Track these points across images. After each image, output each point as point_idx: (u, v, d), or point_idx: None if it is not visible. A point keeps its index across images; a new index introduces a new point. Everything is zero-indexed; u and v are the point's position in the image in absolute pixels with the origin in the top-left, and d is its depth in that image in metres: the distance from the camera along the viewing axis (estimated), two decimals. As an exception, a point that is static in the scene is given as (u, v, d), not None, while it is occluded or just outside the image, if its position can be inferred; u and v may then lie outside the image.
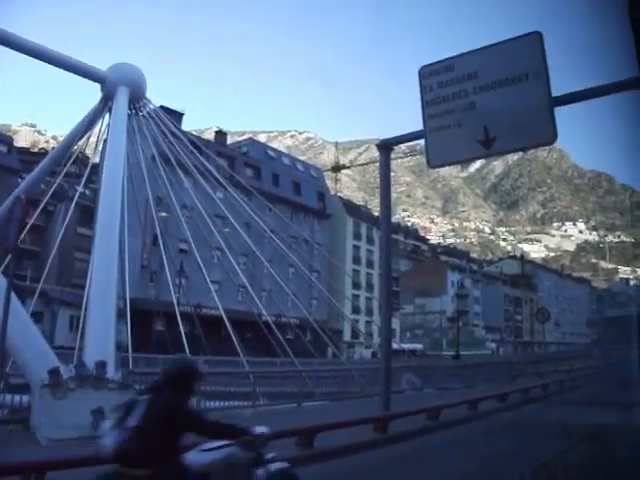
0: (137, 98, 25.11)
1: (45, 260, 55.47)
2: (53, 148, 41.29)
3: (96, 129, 26.31)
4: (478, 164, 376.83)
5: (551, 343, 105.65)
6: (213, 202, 44.35)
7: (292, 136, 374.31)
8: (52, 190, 25.89)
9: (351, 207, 79.60)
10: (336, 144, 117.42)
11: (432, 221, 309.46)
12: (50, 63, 22.77)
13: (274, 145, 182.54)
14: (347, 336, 62.83)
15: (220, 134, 59.48)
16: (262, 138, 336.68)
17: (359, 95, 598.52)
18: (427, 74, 12.98)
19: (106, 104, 23.94)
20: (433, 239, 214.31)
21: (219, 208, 44.91)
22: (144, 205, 34.64)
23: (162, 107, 54.95)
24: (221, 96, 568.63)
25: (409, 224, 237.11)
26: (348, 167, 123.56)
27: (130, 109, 25.27)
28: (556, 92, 11.63)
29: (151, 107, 27.04)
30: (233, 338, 28.43)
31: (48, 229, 56.55)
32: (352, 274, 67.54)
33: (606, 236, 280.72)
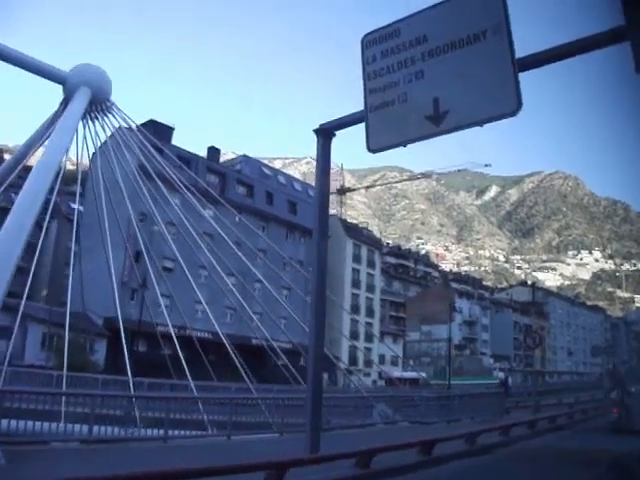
0: (100, 100, 23.96)
1: (37, 277, 54.71)
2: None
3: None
4: (493, 192, 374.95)
5: (563, 372, 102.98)
6: (201, 219, 43.03)
7: (307, 162, 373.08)
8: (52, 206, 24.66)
9: (351, 229, 77.41)
10: (341, 167, 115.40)
11: (447, 249, 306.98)
12: (6, 62, 21.58)
13: (289, 171, 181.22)
14: (345, 362, 60.62)
15: (213, 150, 58.21)
16: (278, 164, 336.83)
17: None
18: (370, 43, 10.83)
19: (66, 107, 22.85)
20: (447, 267, 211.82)
21: (208, 226, 43.54)
22: (126, 221, 33.59)
23: (152, 121, 54.57)
24: (241, 122, 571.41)
25: (423, 251, 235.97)
26: (354, 190, 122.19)
27: (93, 111, 24.21)
28: (525, 52, 9.55)
29: (119, 113, 25.76)
30: (206, 362, 27.09)
31: (40, 245, 55.76)
32: (351, 298, 65.83)
33: (622, 264, 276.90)
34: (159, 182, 30.60)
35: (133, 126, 27.43)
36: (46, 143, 20.73)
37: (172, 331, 27.03)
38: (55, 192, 28.09)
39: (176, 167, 34.53)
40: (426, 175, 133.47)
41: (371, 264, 73.59)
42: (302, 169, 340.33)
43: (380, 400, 25.28)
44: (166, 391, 25.77)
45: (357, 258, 70.86)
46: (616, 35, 8.23)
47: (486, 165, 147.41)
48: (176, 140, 56.99)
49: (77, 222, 29.03)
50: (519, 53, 9.39)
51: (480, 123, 9.45)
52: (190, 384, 21.82)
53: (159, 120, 55.50)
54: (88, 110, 24.16)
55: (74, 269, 50.23)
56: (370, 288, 71.85)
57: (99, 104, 24.38)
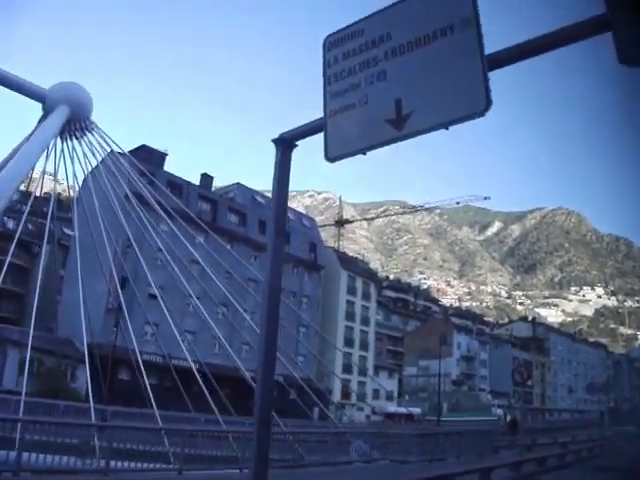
0: (79, 118, 23.48)
1: (29, 302, 53.99)
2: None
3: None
4: (495, 228, 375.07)
5: (563, 410, 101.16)
6: (192, 247, 42.35)
7: (310, 196, 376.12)
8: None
9: (346, 260, 76.23)
10: (340, 198, 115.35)
11: (449, 284, 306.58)
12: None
13: (292, 204, 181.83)
14: (337, 396, 59.22)
15: (206, 177, 57.60)
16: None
17: (379, 157, 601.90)
18: (332, 44, 10.01)
19: (44, 124, 22.44)
20: (449, 302, 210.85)
21: (198, 254, 42.86)
22: (113, 246, 33.15)
23: (144, 146, 54.32)
24: (242, 155, 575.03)
25: (425, 286, 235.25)
26: (352, 222, 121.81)
27: (74, 130, 23.77)
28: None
29: (99, 132, 25.25)
30: (183, 392, 26.31)
31: (32, 271, 55.05)
32: (345, 331, 64.63)
33: (625, 301, 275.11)
34: (139, 208, 29.95)
35: (114, 146, 26.92)
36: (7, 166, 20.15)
37: (137, 358, 25.92)
38: (49, 217, 27.90)
39: (165, 193, 34.26)
40: (426, 208, 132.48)
41: (366, 296, 72.24)
42: (305, 202, 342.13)
43: (358, 436, 23.97)
44: (136, 421, 24.70)
45: (352, 290, 69.53)
46: (600, 23, 7.58)
47: (485, 198, 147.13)
48: (178, 169, 57.07)
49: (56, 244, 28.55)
50: (492, 49, 8.58)
51: (446, 125, 8.53)
52: (155, 413, 20.77)
53: (155, 146, 55.35)
54: (68, 129, 23.74)
55: (64, 294, 49.75)
56: (365, 321, 70.38)
57: (78, 122, 23.92)
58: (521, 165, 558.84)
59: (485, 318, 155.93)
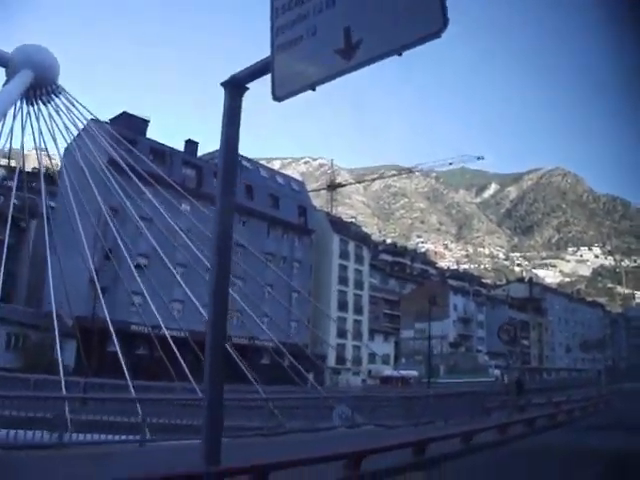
0: (45, 83, 22.35)
1: (17, 280, 53.13)
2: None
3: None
4: (492, 190, 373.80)
5: (561, 369, 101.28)
6: (178, 215, 41.45)
7: (306, 162, 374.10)
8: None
9: (338, 224, 75.15)
10: (331, 162, 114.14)
11: (446, 247, 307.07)
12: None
13: (287, 172, 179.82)
14: (332, 361, 58.82)
15: (190, 143, 56.27)
16: (276, 165, 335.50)
17: (374, 122, 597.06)
18: None
19: (4, 89, 21.30)
20: (447, 265, 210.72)
21: (184, 221, 41.99)
22: (97, 216, 32.38)
23: (125, 113, 53.06)
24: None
25: (423, 249, 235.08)
26: (344, 185, 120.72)
27: (39, 95, 22.67)
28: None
29: (67, 96, 24.07)
30: (166, 360, 25.62)
31: (21, 247, 54.13)
32: (338, 295, 63.90)
33: (622, 261, 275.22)
34: (120, 177, 29.14)
35: (84, 112, 25.70)
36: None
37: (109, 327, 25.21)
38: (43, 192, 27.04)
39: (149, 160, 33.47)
40: (419, 170, 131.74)
41: (359, 260, 71.64)
42: (301, 169, 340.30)
43: (341, 401, 22.88)
44: (119, 393, 23.98)
45: (344, 254, 68.86)
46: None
47: (479, 158, 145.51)
48: (168, 139, 55.74)
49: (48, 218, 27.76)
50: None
51: (399, 50, 7.38)
52: (128, 383, 20.07)
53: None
54: (34, 94, 22.65)
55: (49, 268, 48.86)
56: (358, 285, 70.02)
57: (44, 87, 22.78)
58: (517, 126, 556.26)
59: (483, 280, 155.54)
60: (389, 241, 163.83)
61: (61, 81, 23.37)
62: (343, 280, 67.06)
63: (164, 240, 34.99)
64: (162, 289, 37.52)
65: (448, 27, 6.76)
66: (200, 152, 60.60)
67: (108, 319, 27.64)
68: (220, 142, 10.05)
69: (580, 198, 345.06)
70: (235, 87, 10.04)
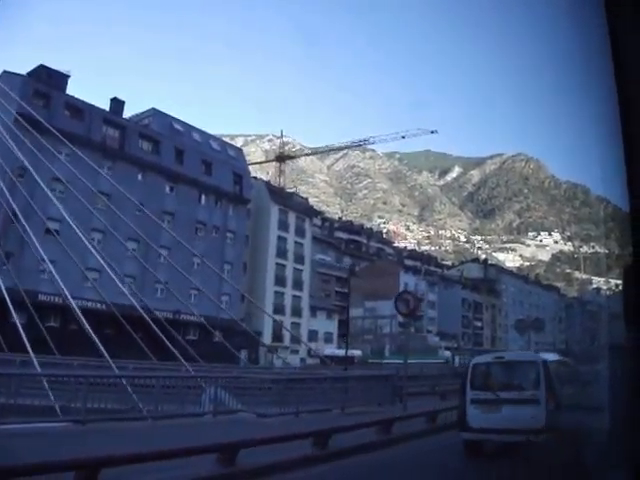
0: None
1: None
2: None
3: None
4: (455, 173, 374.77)
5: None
6: (97, 178, 38.15)
7: (270, 140, 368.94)
8: None
9: (277, 193, 71.01)
10: (281, 133, 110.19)
11: (408, 228, 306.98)
12: None
13: (251, 149, 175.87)
14: (268, 339, 55.19)
15: (116, 102, 51.31)
16: (239, 142, 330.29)
17: (338, 99, 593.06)
18: None
19: None
20: (408, 246, 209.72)
21: (104, 184, 38.87)
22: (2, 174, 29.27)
23: (42, 67, 48.62)
24: (202, 98, 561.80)
25: (384, 231, 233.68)
26: (294, 157, 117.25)
27: None
28: None
29: None
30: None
31: None
32: (276, 269, 60.06)
33: (581, 247, 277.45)
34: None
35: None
36: None
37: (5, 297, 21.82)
38: None
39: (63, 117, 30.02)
40: (371, 143, 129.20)
41: (300, 232, 67.74)
42: (265, 146, 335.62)
43: (214, 381, 18.56)
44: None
45: (284, 225, 64.80)
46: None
47: (432, 132, 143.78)
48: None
49: None
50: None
51: None
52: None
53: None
54: None
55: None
56: (299, 259, 66.19)
57: None
58: (481, 110, 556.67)
59: (444, 262, 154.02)
60: (352, 220, 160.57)
61: None
62: (282, 253, 63.29)
63: (81, 204, 32.18)
64: (75, 256, 34.14)
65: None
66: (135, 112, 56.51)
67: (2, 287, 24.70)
68: None
69: (542, 184, 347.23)
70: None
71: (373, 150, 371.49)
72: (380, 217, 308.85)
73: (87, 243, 35.17)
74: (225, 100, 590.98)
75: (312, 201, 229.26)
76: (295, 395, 19.00)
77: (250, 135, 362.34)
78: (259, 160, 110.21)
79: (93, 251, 34.83)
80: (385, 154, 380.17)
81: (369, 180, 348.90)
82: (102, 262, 33.59)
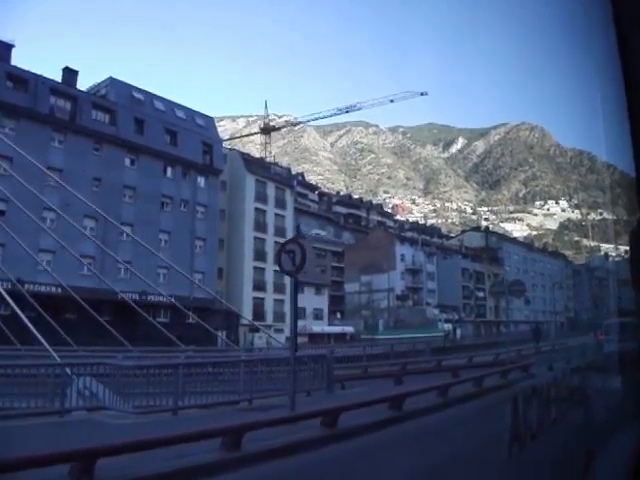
0: None
1: None
2: None
3: None
4: (459, 145, 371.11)
5: (519, 322, 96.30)
6: (47, 152, 35.32)
7: (272, 120, 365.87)
8: None
9: (254, 163, 66.54)
10: (265, 104, 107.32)
11: (413, 202, 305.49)
12: None
13: (254, 129, 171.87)
14: (248, 317, 52.01)
15: (68, 72, 47.48)
16: (241, 122, 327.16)
17: (341, 77, 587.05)
18: None
19: None
20: (415, 219, 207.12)
21: (56, 159, 36.11)
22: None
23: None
24: (206, 80, 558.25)
25: (390, 205, 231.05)
26: (279, 129, 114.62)
27: None
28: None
29: None
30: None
31: None
32: (255, 243, 56.64)
33: (588, 214, 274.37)
34: None
35: None
36: None
37: None
38: None
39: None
40: (356, 109, 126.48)
41: (281, 204, 64.06)
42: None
43: (85, 370, 14.71)
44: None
45: (262, 197, 61.01)
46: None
47: (422, 94, 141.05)
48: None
49: None
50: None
51: None
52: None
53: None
54: None
55: None
56: (280, 232, 61.63)
57: None
58: (485, 80, 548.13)
59: (451, 234, 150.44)
60: (356, 196, 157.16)
61: None
62: (260, 226, 59.57)
63: (30, 182, 29.46)
64: (25, 237, 31.48)
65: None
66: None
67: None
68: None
69: (547, 152, 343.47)
70: None
71: (376, 125, 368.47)
72: (385, 192, 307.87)
73: (39, 223, 32.66)
74: (228, 82, 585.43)
75: (317, 179, 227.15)
76: (192, 383, 15.18)
77: (252, 115, 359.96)
78: (262, 141, 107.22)
79: (48, 231, 32.33)
80: (388, 129, 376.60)
81: (373, 155, 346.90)
82: (57, 243, 31.29)
